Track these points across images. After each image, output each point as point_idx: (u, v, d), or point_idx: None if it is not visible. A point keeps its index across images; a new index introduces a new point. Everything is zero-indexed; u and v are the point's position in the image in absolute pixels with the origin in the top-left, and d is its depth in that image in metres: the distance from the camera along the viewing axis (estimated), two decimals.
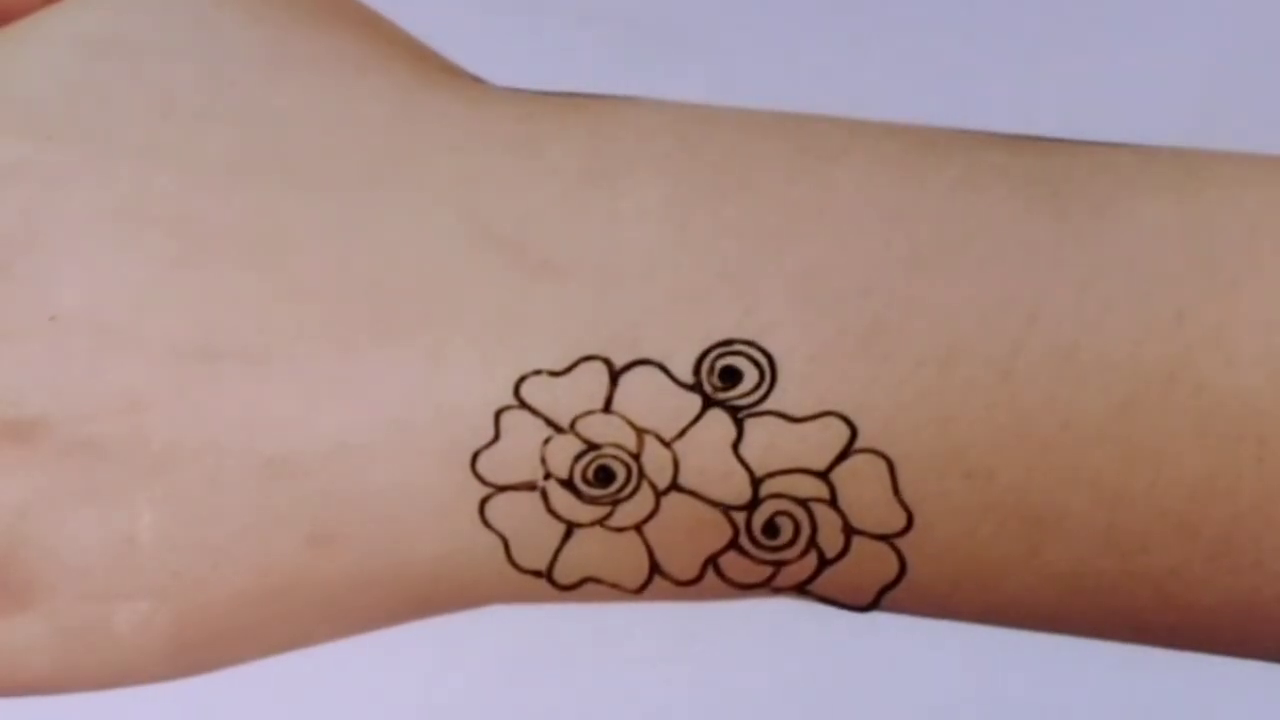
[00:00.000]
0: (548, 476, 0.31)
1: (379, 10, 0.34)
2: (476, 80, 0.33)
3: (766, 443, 0.30)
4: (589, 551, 0.31)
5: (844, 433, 0.30)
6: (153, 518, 0.31)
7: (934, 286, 0.30)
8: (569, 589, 0.32)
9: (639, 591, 0.31)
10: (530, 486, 0.31)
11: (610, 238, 0.31)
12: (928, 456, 0.30)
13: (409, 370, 0.31)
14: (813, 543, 0.31)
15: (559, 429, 0.31)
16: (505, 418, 0.31)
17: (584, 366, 0.31)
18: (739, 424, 0.30)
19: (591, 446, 0.31)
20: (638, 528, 0.31)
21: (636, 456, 0.31)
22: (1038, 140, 0.31)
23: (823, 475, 0.30)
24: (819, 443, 0.30)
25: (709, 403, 0.31)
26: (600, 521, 0.31)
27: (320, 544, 0.31)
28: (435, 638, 0.32)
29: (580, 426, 0.31)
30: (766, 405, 0.30)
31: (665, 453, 0.31)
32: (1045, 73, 0.32)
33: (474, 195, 0.31)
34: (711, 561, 0.31)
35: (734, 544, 0.31)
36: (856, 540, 0.31)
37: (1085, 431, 0.30)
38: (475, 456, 0.31)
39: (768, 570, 0.31)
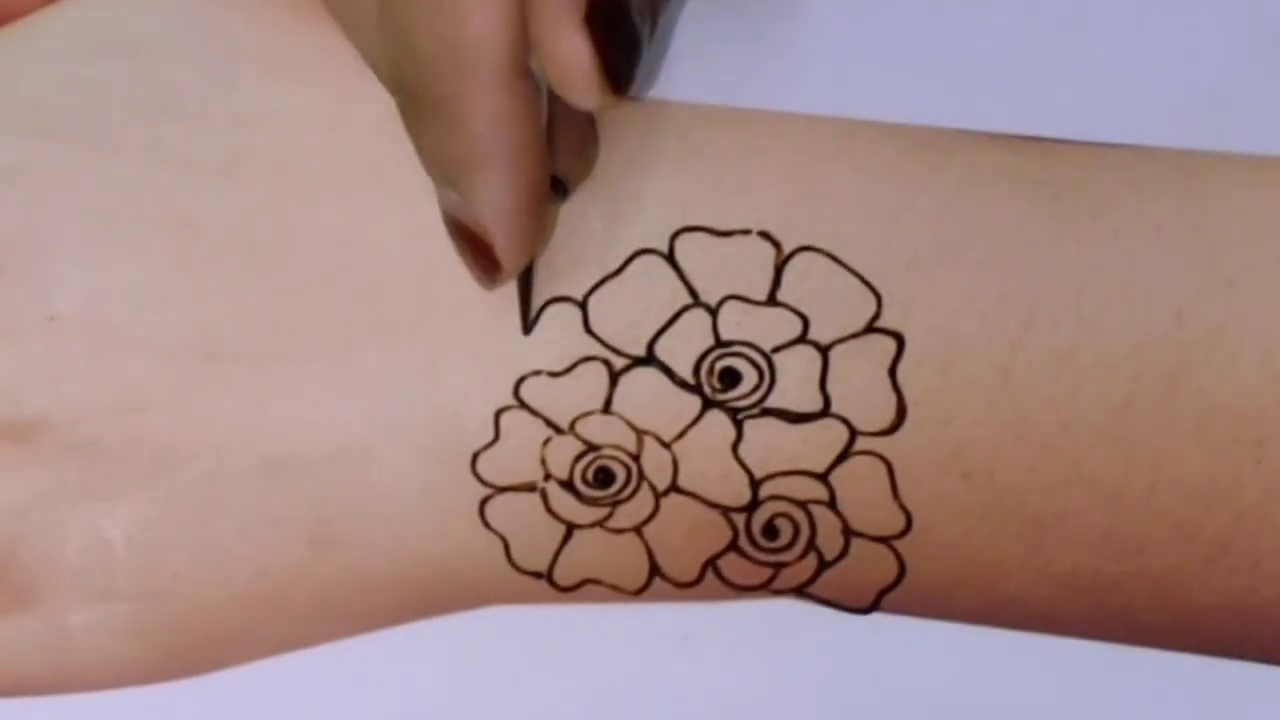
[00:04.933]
0: (547, 477, 0.31)
1: None
2: None
3: (766, 444, 0.30)
4: (589, 553, 0.31)
5: (843, 434, 0.30)
6: (152, 518, 0.31)
7: (934, 286, 0.30)
8: (569, 590, 0.32)
9: (639, 593, 0.31)
10: (530, 488, 0.31)
11: (610, 238, 0.31)
12: (927, 457, 0.30)
13: (408, 370, 0.31)
14: (812, 545, 0.31)
15: (559, 430, 0.31)
16: (505, 418, 0.31)
17: (584, 367, 0.31)
18: (738, 425, 0.31)
19: (591, 447, 0.31)
20: (637, 529, 0.31)
21: (636, 457, 0.31)
22: (1038, 140, 0.31)
23: (822, 477, 0.30)
24: (818, 444, 0.30)
25: (708, 404, 0.31)
26: (600, 523, 0.31)
27: (320, 544, 0.31)
28: (435, 638, 0.32)
29: (580, 427, 0.31)
30: (766, 406, 0.30)
31: (665, 454, 0.31)
32: (1045, 73, 0.32)
33: None
34: (711, 563, 0.31)
35: (733, 546, 0.31)
36: (855, 542, 0.31)
37: (1084, 432, 0.30)
38: (475, 457, 0.31)
39: (767, 572, 0.31)
